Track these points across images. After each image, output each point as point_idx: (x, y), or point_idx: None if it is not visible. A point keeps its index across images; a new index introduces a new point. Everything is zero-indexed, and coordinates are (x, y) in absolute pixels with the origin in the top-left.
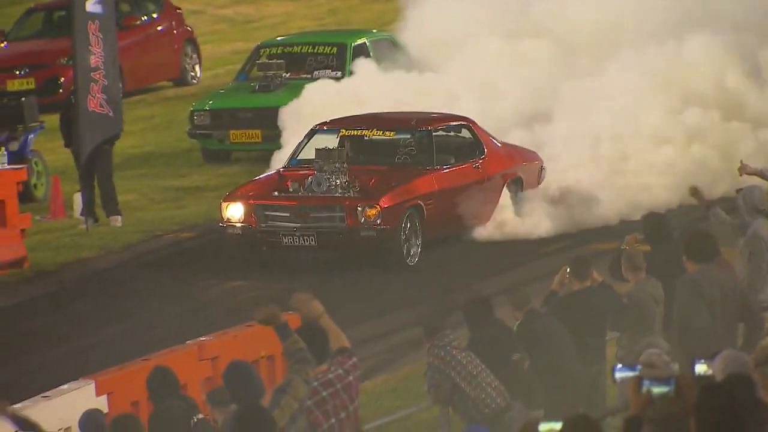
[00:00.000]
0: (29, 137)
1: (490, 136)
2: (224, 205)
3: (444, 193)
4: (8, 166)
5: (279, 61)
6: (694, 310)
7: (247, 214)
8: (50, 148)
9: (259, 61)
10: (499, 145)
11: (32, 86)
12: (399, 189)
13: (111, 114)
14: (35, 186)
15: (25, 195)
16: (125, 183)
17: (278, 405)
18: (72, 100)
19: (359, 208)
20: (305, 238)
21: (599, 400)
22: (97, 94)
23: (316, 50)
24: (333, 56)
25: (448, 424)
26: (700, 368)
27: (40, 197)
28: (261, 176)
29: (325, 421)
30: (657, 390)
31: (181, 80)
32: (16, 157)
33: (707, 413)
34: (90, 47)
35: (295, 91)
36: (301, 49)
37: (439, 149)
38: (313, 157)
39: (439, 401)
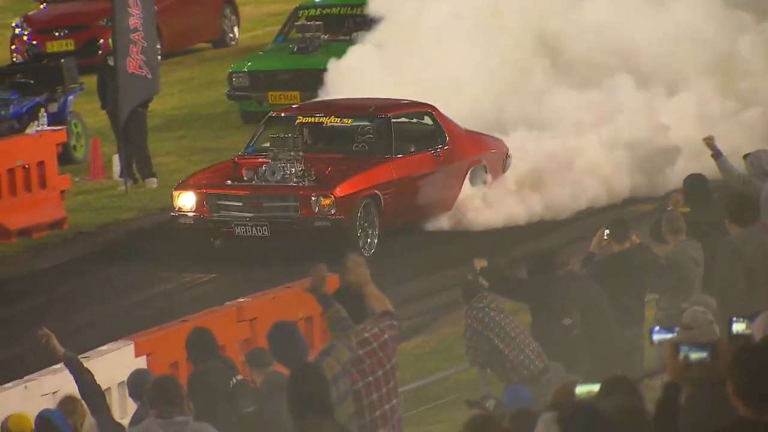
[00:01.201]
0: (69, 99)
1: (454, 123)
2: (175, 193)
3: (402, 182)
4: (48, 128)
5: (317, 23)
6: (733, 272)
7: (199, 203)
8: (89, 109)
9: (298, 23)
10: (463, 132)
11: (71, 48)
12: (355, 178)
13: (149, 76)
14: (75, 147)
15: (65, 156)
16: (164, 145)
17: (320, 367)
18: (109, 62)
19: (313, 198)
20: (258, 227)
21: (638, 362)
22: (136, 56)
23: (354, 12)
24: (372, 18)
25: (487, 385)
26: (738, 327)
27: (79, 159)
28: (215, 164)
29: (362, 380)
30: (694, 356)
31: (219, 42)
32: (56, 119)
33: (744, 373)
34: (129, 9)
35: (334, 52)
36: (340, 10)
37: (399, 137)
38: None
39: (477, 363)
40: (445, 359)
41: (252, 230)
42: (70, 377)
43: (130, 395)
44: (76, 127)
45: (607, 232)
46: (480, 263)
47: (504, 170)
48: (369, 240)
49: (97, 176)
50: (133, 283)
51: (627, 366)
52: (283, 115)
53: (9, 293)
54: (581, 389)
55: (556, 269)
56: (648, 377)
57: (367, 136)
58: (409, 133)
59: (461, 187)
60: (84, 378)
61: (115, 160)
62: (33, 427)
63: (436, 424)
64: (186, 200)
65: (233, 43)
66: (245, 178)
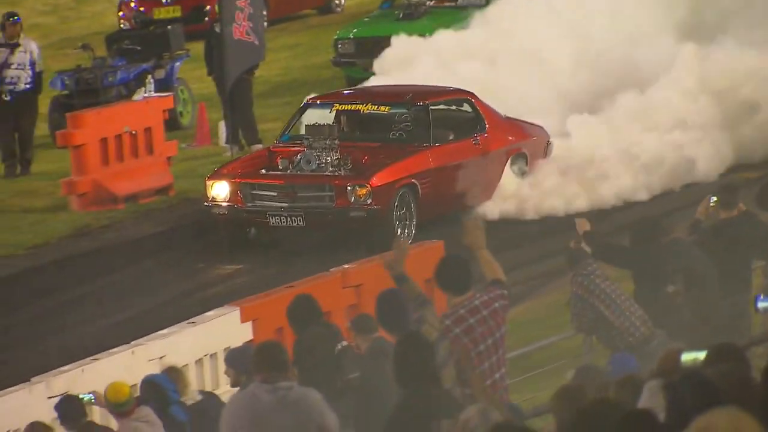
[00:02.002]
0: (175, 65)
1: (493, 110)
2: (209, 183)
3: (440, 171)
4: (155, 94)
5: None
6: None
7: (233, 192)
8: (196, 76)
9: None
10: (503, 119)
11: (178, 14)
12: (392, 167)
13: (256, 42)
14: (181, 114)
15: (171, 123)
16: (270, 111)
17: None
18: (216, 29)
19: (349, 187)
20: (292, 218)
21: (744, 329)
22: (243, 22)
23: None
24: None
25: (591, 352)
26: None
27: (185, 125)
28: (250, 153)
29: (474, 348)
30: None
31: (325, 8)
32: (163, 85)
33: None
34: None
35: (439, 18)
36: None
37: (437, 125)
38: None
39: (582, 330)
40: (549, 326)
41: (287, 220)
42: (178, 342)
43: (231, 368)
44: (182, 93)
45: (714, 198)
46: (583, 225)
47: (545, 157)
48: (406, 231)
49: (204, 142)
50: (239, 250)
51: (732, 333)
52: (319, 102)
53: (118, 258)
54: (687, 356)
55: (660, 236)
56: (755, 345)
57: (404, 123)
58: (448, 120)
59: (501, 176)
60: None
61: (221, 126)
62: (130, 395)
63: (539, 392)
64: (220, 190)
65: (339, 9)
66: (280, 167)
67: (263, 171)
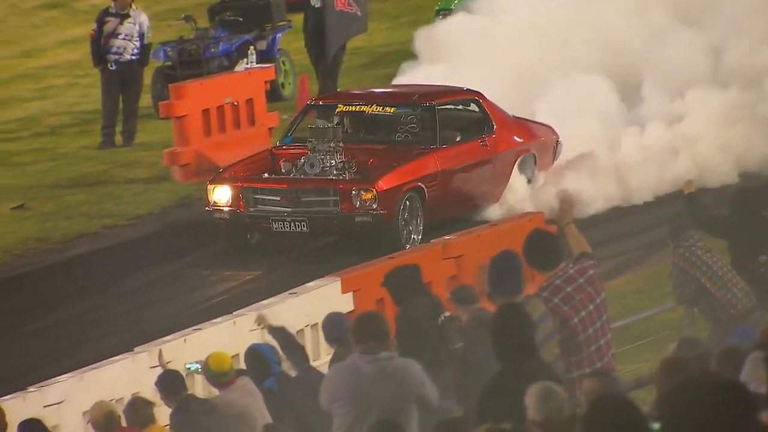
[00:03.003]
0: (277, 36)
1: (501, 110)
2: (210, 187)
3: (448, 174)
4: (256, 66)
5: None
6: None
7: (235, 197)
8: (298, 47)
9: None
10: (511, 119)
11: None
12: (398, 170)
13: (358, 13)
14: (282, 85)
15: (273, 94)
16: (372, 82)
17: (530, 300)
18: (312, 3)
19: (354, 192)
20: (296, 223)
21: None
22: None
23: None
24: None
25: (693, 324)
26: None
27: (287, 96)
28: (252, 156)
29: (575, 315)
30: None
31: None
32: (264, 56)
33: None
34: None
35: None
36: None
37: (444, 126)
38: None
39: (683, 302)
40: (650, 298)
41: (290, 226)
42: (279, 312)
43: (327, 339)
44: (284, 64)
45: None
46: (690, 186)
47: (554, 158)
48: (413, 236)
49: None
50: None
51: None
52: (321, 103)
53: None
54: None
55: (760, 207)
56: None
57: (410, 125)
58: (455, 121)
59: (509, 178)
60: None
61: None
62: (231, 366)
63: (641, 363)
64: (221, 194)
65: None
66: (283, 171)
67: (266, 175)
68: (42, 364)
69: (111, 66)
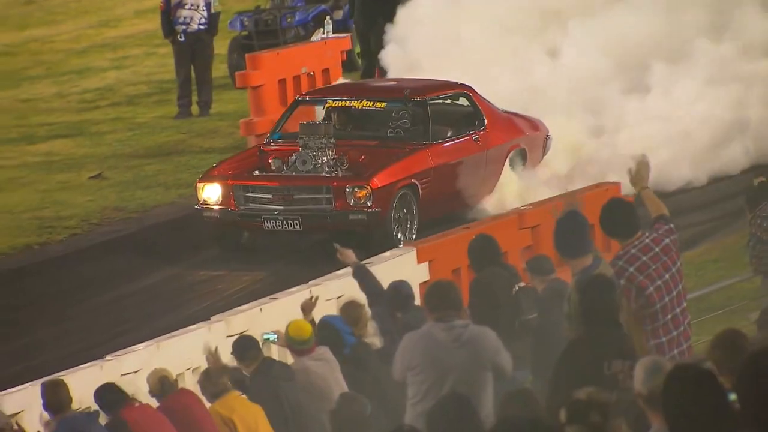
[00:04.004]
0: None
1: (491, 104)
2: (200, 185)
3: (441, 170)
4: (333, 35)
5: None
6: None
7: (225, 195)
8: None
9: None
10: (501, 114)
11: None
12: (392, 167)
13: None
14: (358, 55)
15: (349, 64)
16: None
17: (600, 264)
18: None
19: (348, 189)
20: (289, 221)
21: None
22: None
23: None
24: None
25: None
26: None
27: (363, 66)
28: (239, 153)
29: (651, 284)
30: None
31: None
32: (340, 26)
33: None
34: None
35: None
36: None
37: (435, 120)
38: (297, 131)
39: (760, 272)
40: (727, 268)
41: (282, 224)
42: (353, 283)
43: (391, 307)
44: None
45: None
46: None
47: (544, 153)
48: (407, 234)
49: None
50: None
51: None
52: (308, 98)
53: None
54: None
55: None
56: None
57: (402, 120)
58: (445, 116)
59: (501, 174)
60: (370, 285)
61: None
62: (311, 334)
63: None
64: (211, 192)
65: None
66: (273, 168)
67: (256, 172)
68: (120, 332)
69: (180, 37)
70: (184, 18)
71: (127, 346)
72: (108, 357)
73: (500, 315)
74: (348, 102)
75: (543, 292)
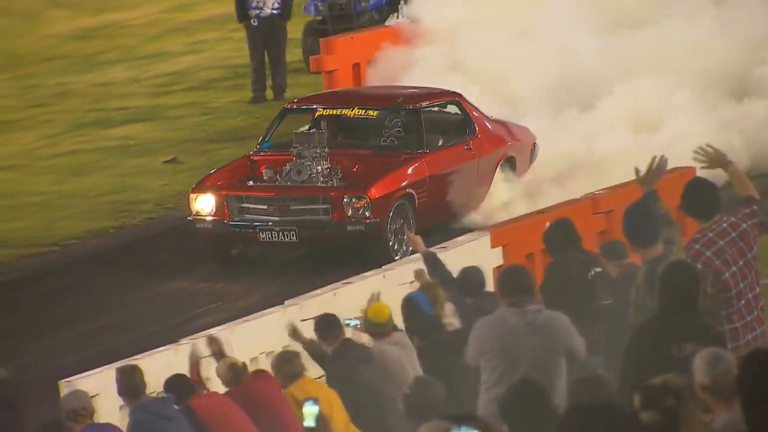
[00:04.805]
0: None
1: (481, 112)
2: (192, 196)
3: (436, 180)
4: (407, 20)
5: None
6: None
7: (219, 206)
8: None
9: None
10: (491, 121)
11: None
12: (389, 177)
13: None
14: None
15: None
16: None
17: (671, 253)
18: None
19: (345, 200)
20: (285, 232)
21: None
22: None
23: None
24: None
25: None
26: None
27: None
28: (229, 163)
29: (727, 269)
30: None
31: None
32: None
33: None
34: None
35: None
36: None
37: (426, 129)
38: (288, 140)
39: None
40: None
41: (279, 235)
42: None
43: (463, 292)
44: None
45: None
46: None
47: (531, 161)
48: (403, 246)
49: None
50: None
51: None
52: (296, 107)
53: None
54: None
55: None
56: None
57: (395, 129)
58: (437, 124)
59: (492, 182)
60: (440, 272)
61: None
62: (389, 318)
63: None
64: (204, 203)
65: None
66: (265, 178)
67: (251, 182)
68: (194, 317)
69: (253, 21)
70: (258, 3)
71: (203, 330)
72: (182, 341)
73: (574, 299)
74: (340, 110)
75: (617, 277)
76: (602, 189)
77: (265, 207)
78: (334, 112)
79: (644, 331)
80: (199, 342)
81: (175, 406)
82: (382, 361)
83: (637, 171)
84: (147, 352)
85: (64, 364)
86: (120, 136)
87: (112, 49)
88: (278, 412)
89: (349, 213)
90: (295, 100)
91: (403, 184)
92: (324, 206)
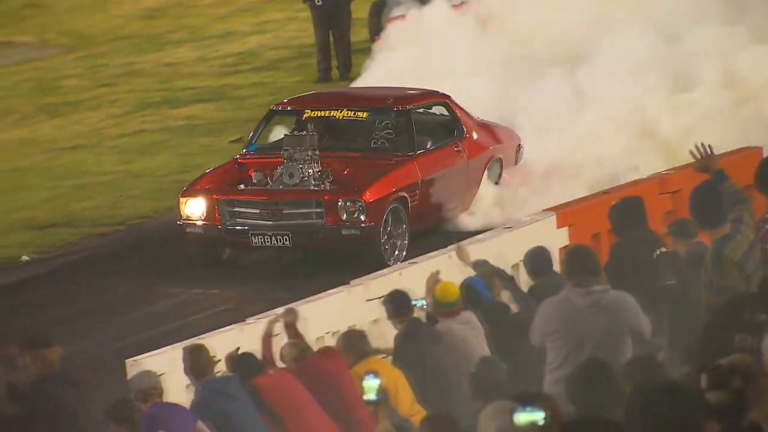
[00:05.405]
0: None
1: (468, 113)
2: (182, 200)
3: (428, 182)
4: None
5: None
6: None
7: (210, 210)
8: None
9: None
10: (478, 123)
11: None
12: (383, 180)
13: None
14: None
15: None
16: None
17: (739, 232)
18: None
19: (340, 203)
20: (278, 237)
21: None
22: None
23: None
24: None
25: None
26: None
27: None
28: (217, 167)
29: None
30: None
31: None
32: None
33: None
34: None
35: None
36: None
37: (416, 131)
38: (275, 142)
39: None
40: None
41: (271, 240)
42: (494, 247)
43: (530, 272)
44: None
45: None
46: None
47: (516, 162)
48: (397, 252)
49: None
50: None
51: None
52: (281, 108)
53: None
54: None
55: None
56: None
57: (386, 131)
58: (425, 125)
59: (480, 184)
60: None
61: None
62: (458, 297)
63: None
64: (195, 207)
65: None
66: (255, 181)
67: (241, 186)
68: (257, 297)
69: (318, 1)
70: None
71: (268, 310)
72: (248, 320)
73: (640, 279)
74: (329, 112)
75: (685, 256)
76: (670, 168)
77: (258, 211)
78: (323, 113)
79: (725, 312)
80: (270, 320)
81: (240, 385)
82: (449, 341)
83: (692, 154)
84: (213, 331)
85: (127, 345)
86: (186, 115)
87: (179, 29)
88: (343, 389)
89: (344, 217)
90: (284, 101)
91: (397, 187)
92: (317, 210)
